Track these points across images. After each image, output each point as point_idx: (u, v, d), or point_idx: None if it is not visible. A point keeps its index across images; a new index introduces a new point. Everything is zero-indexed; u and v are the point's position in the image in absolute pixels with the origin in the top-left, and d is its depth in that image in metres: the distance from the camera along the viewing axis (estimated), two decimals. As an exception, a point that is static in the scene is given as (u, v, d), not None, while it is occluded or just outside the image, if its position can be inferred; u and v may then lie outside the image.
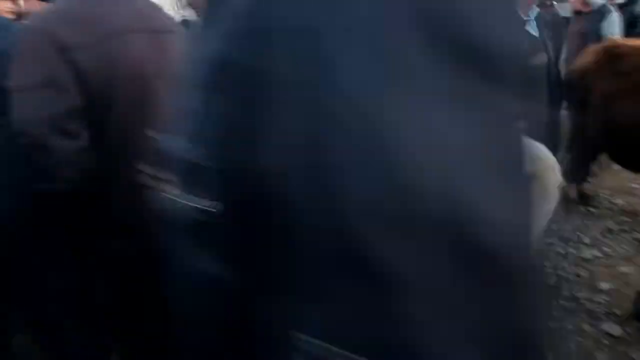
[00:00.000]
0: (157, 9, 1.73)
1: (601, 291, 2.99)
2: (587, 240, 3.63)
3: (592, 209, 4.13)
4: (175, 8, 3.28)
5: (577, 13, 4.79)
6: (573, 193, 4.18)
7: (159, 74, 1.60)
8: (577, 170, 4.06)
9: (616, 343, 2.54)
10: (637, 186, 4.56)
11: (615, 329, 2.62)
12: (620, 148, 3.43)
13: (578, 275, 3.18)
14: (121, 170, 1.55)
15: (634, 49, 3.32)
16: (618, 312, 2.78)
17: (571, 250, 3.51)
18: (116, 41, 1.47)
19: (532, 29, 4.21)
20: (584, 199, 4.21)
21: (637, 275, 3.14)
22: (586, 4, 4.66)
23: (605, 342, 2.54)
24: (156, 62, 1.58)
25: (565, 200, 4.20)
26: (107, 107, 1.47)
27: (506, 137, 0.41)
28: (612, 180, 4.72)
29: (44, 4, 1.98)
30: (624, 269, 3.21)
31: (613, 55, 3.37)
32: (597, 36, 4.42)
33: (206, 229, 0.43)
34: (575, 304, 2.88)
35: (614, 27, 4.52)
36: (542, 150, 1.32)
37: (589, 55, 3.56)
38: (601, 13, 4.58)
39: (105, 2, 1.50)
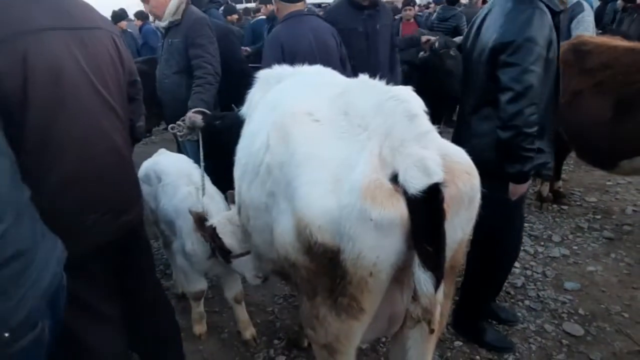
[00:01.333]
0: (85, 6, 1.69)
1: (566, 290, 2.97)
2: (556, 238, 3.61)
3: (564, 207, 4.12)
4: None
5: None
6: (545, 191, 4.16)
7: (80, 69, 1.56)
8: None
9: (577, 343, 2.52)
10: (611, 184, 4.56)
11: (577, 329, 2.61)
12: (587, 146, 3.42)
13: (545, 275, 3.15)
14: (42, 169, 1.50)
15: (600, 46, 3.30)
16: (582, 311, 2.76)
17: (540, 249, 3.49)
18: (31, 38, 1.43)
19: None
20: (557, 197, 4.19)
21: (603, 273, 3.13)
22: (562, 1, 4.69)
23: (566, 342, 2.52)
24: (76, 58, 1.54)
25: (539, 198, 4.19)
26: (23, 105, 1.42)
27: None
28: (586, 177, 4.72)
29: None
30: (591, 267, 3.20)
31: (580, 53, 3.35)
32: (569, 34, 4.54)
33: None
34: (540, 304, 2.86)
35: (585, 25, 4.59)
36: (458, 154, 1.30)
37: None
38: (573, 11, 4.66)
39: (22, 1, 1.46)
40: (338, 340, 1.39)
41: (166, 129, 3.02)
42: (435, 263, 1.13)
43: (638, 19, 5.69)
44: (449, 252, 1.21)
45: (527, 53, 1.92)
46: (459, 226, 1.27)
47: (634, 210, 4.00)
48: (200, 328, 2.71)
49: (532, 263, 3.32)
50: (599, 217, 3.93)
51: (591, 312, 2.76)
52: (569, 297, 2.90)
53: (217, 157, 2.16)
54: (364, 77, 1.49)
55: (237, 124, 1.99)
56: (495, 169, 1.99)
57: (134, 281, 1.96)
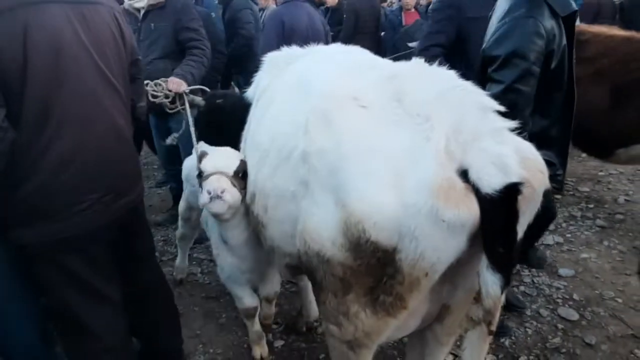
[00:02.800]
0: None
1: (560, 277, 3.01)
2: (550, 226, 3.64)
3: (557, 196, 4.16)
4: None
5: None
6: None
7: (81, 44, 1.52)
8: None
9: (572, 327, 2.55)
10: (603, 174, 4.61)
11: (572, 314, 2.64)
12: (584, 134, 3.44)
13: (540, 261, 3.19)
14: (41, 146, 1.47)
15: (598, 35, 3.32)
16: (576, 296, 2.80)
17: (535, 236, 3.53)
18: (32, 9, 1.39)
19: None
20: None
21: (597, 260, 3.18)
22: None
23: (561, 326, 2.56)
24: (76, 32, 1.50)
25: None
26: (22, 79, 1.38)
27: None
28: (579, 168, 4.77)
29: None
30: (585, 255, 3.24)
31: (578, 42, 3.35)
32: None
33: None
34: (535, 289, 2.89)
35: None
36: (530, 151, 1.19)
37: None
38: None
39: None
40: (368, 336, 1.32)
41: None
42: (506, 265, 1.06)
43: None
44: None
45: (511, 69, 1.75)
46: (522, 225, 1.16)
47: (626, 200, 4.05)
48: (260, 350, 2.38)
49: (527, 250, 3.36)
50: (591, 206, 3.98)
51: (585, 297, 2.79)
52: (564, 283, 2.94)
53: (212, 136, 2.07)
54: (419, 61, 1.37)
55: (241, 106, 1.94)
56: None
57: (133, 263, 1.93)
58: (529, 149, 1.20)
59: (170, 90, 2.60)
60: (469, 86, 1.25)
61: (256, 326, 2.35)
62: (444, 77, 1.29)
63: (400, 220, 1.10)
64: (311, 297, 2.40)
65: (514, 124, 1.19)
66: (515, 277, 3.03)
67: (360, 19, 5.54)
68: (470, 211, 1.05)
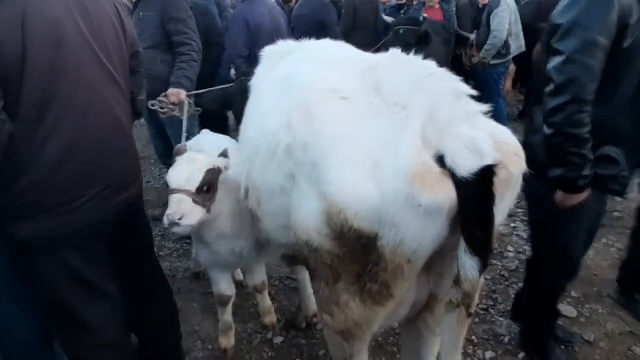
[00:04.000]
0: None
1: (559, 274, 3.01)
2: (549, 224, 3.65)
3: (618, 199, 4.15)
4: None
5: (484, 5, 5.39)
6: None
7: (81, 35, 1.50)
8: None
9: (571, 324, 2.56)
10: (601, 171, 4.62)
11: (571, 311, 2.65)
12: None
13: (538, 259, 3.19)
14: (39, 139, 1.44)
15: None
16: (575, 294, 2.80)
17: (533, 233, 3.53)
18: (30, 1, 1.36)
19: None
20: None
21: (595, 258, 3.18)
22: None
23: (560, 323, 2.56)
24: (77, 23, 1.47)
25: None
26: (21, 71, 1.35)
27: None
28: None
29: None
30: (583, 252, 3.25)
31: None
32: (488, 26, 5.00)
33: None
34: (534, 286, 2.90)
35: (498, 20, 4.94)
36: (505, 135, 1.22)
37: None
38: (491, 6, 5.06)
39: None
40: (359, 326, 1.34)
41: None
42: (483, 248, 1.08)
43: None
44: None
45: (573, 39, 1.60)
46: (502, 210, 1.20)
47: (623, 197, 4.06)
48: (225, 341, 2.39)
49: (526, 247, 3.36)
50: (590, 203, 3.98)
51: (584, 294, 2.80)
52: (562, 280, 2.95)
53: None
54: (396, 52, 1.40)
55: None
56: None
57: (132, 258, 1.91)
58: (503, 132, 1.24)
59: (174, 104, 2.78)
60: (444, 73, 1.27)
61: (227, 316, 2.38)
62: (420, 65, 1.31)
63: (380, 208, 1.11)
64: (310, 291, 2.41)
65: (487, 107, 1.23)
66: (514, 274, 3.05)
67: (359, 14, 5.51)
68: (446, 195, 1.07)
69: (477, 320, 2.63)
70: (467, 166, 1.05)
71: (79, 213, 1.55)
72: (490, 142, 1.09)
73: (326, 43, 1.82)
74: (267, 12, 4.01)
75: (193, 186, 1.74)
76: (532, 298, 2.28)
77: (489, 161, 1.04)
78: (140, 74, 1.96)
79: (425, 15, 5.47)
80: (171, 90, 2.89)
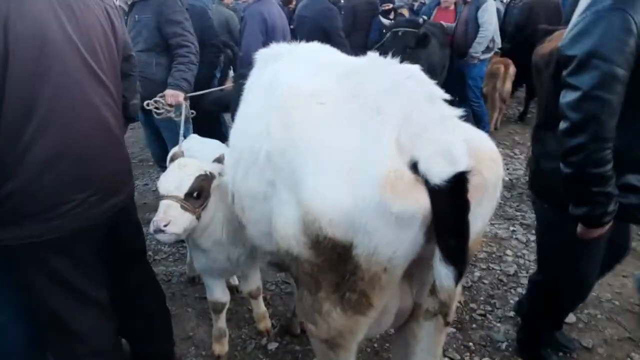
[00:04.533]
0: None
1: (558, 278, 2.98)
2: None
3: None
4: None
5: (464, 2, 5.31)
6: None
7: (67, 38, 1.47)
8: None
9: (569, 330, 2.53)
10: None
11: (569, 317, 2.61)
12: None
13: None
14: (24, 144, 1.42)
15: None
16: (573, 299, 2.77)
17: (532, 237, 3.50)
18: (13, 1, 1.33)
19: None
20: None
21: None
22: None
23: (558, 329, 2.53)
24: (62, 25, 1.45)
25: (531, 187, 4.18)
26: (3, 75, 1.33)
27: None
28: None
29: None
30: (582, 256, 3.21)
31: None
32: (476, 23, 5.00)
33: None
34: (532, 291, 2.87)
35: (488, 15, 4.96)
36: (481, 139, 1.20)
37: (557, 38, 3.47)
38: (478, 1, 5.02)
39: None
40: (342, 335, 1.32)
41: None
42: (458, 257, 1.05)
43: None
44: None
45: (590, 73, 1.43)
46: (480, 216, 1.17)
47: None
48: (219, 348, 2.35)
49: (525, 251, 3.33)
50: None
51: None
52: (561, 284, 2.92)
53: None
54: (374, 55, 1.37)
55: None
56: (566, 201, 1.66)
57: (123, 265, 1.89)
58: (479, 137, 1.21)
59: (170, 105, 2.79)
60: (420, 77, 1.24)
61: (221, 323, 2.35)
62: (396, 69, 1.28)
63: (353, 216, 1.09)
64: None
65: (461, 111, 1.20)
66: (512, 279, 3.02)
67: (358, 15, 5.51)
68: (419, 203, 1.04)
69: (474, 326, 2.60)
70: (439, 173, 1.02)
71: (66, 219, 1.53)
72: (464, 148, 1.07)
73: (317, 47, 1.80)
74: (277, 12, 4.14)
75: (182, 192, 1.72)
76: (536, 315, 2.23)
77: (461, 168, 1.02)
78: (133, 78, 1.94)
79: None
80: (168, 91, 2.87)
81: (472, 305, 2.77)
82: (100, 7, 1.65)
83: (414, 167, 1.07)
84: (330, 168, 1.14)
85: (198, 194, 1.76)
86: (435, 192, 1.03)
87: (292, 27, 5.04)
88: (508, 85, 5.67)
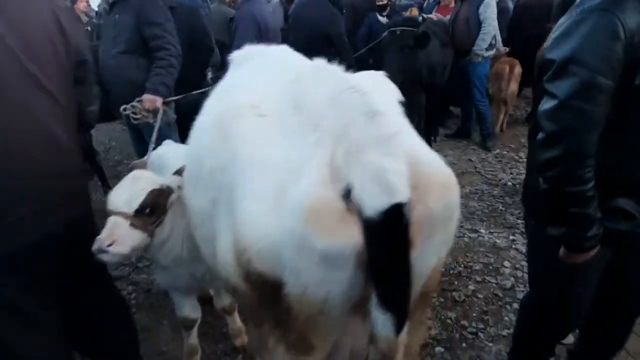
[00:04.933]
0: None
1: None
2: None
3: None
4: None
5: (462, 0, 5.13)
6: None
7: (4, 47, 1.36)
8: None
9: (565, 351, 2.35)
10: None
11: (568, 337, 2.43)
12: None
13: (536, 276, 2.98)
14: None
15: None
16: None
17: (532, 248, 3.31)
18: None
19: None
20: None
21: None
22: None
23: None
24: None
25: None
26: None
27: None
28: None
29: None
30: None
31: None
32: (478, 20, 4.84)
33: None
34: (529, 307, 2.69)
35: (490, 10, 4.83)
36: (430, 161, 1.04)
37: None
38: None
39: None
40: None
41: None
42: (396, 303, 0.90)
43: None
44: (419, 282, 0.98)
45: (567, 80, 1.27)
46: (433, 252, 1.02)
47: None
48: None
49: (524, 263, 3.14)
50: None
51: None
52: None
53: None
54: (319, 62, 1.22)
55: None
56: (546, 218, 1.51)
57: (77, 282, 1.77)
58: (428, 158, 1.03)
59: (148, 110, 2.72)
60: (363, 87, 1.06)
61: (192, 339, 2.22)
62: (338, 78, 1.12)
63: (279, 248, 0.93)
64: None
65: (405, 126, 1.06)
66: (508, 293, 2.84)
67: (358, 13, 5.39)
68: (348, 239, 0.88)
69: (464, 345, 2.44)
70: (373, 204, 0.86)
71: (4, 236, 1.42)
72: (403, 173, 0.90)
73: (281, 50, 1.65)
74: (269, 11, 4.12)
75: (131, 208, 1.60)
76: (525, 340, 2.05)
77: (397, 198, 0.85)
78: (89, 83, 1.82)
79: (436, 14, 5.27)
80: (146, 96, 2.78)
81: (464, 322, 2.60)
82: (46, 11, 1.53)
83: (349, 194, 0.90)
84: (262, 190, 0.99)
85: (151, 211, 1.64)
86: (369, 225, 0.86)
87: (284, 28, 4.92)
88: (513, 87, 5.45)
